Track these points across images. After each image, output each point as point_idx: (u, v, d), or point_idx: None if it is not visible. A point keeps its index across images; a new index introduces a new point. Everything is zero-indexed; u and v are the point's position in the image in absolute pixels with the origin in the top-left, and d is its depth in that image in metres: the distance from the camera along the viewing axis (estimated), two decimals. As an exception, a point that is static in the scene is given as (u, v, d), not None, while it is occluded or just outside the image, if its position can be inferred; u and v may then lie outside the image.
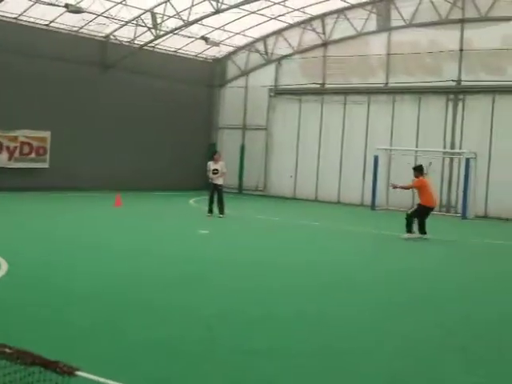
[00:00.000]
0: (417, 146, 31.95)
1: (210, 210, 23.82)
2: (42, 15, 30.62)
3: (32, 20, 30.97)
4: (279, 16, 34.39)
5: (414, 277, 13.72)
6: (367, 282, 12.66)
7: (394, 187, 22.11)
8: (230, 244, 17.56)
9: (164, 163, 36.27)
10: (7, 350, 2.42)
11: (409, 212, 20.42)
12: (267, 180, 38.13)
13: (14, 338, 5.68)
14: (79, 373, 3.53)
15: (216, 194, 23.82)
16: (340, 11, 34.33)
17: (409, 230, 20.01)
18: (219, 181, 23.93)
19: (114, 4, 30.89)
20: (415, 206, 20.66)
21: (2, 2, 27.06)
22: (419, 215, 20.06)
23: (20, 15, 30.41)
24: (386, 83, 33.52)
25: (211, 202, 23.91)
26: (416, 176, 20.70)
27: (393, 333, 8.87)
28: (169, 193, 33.92)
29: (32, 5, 29.38)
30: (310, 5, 33.02)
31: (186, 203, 29.52)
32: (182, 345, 7.68)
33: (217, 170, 23.98)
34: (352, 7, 33.74)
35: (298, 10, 33.67)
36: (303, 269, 13.83)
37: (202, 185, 37.53)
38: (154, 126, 36.22)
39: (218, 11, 30.17)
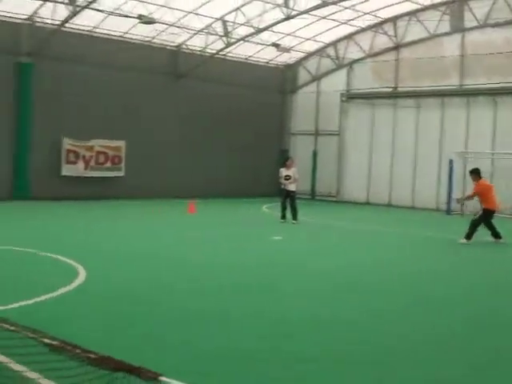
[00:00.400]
0: (493, 149, 31.23)
1: (283, 216, 23.78)
2: (116, 27, 31.21)
3: (106, 32, 31.60)
4: (350, 20, 34.16)
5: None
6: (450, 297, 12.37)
7: (460, 202, 21.40)
8: (304, 249, 17.44)
9: (236, 170, 36.44)
10: (92, 356, 2.42)
11: (475, 217, 19.56)
12: (340, 185, 37.88)
13: (94, 344, 5.72)
14: (162, 378, 3.52)
15: (289, 200, 23.78)
16: (412, 13, 33.87)
17: (469, 235, 19.17)
18: (292, 187, 23.88)
19: (185, 14, 31.25)
20: (480, 212, 19.60)
21: (79, 15, 27.63)
22: (485, 220, 19.34)
23: (95, 28, 31.06)
24: (461, 85, 32.90)
25: (284, 208, 23.88)
26: (474, 180, 19.96)
27: None
28: (241, 199, 34.04)
29: (106, 17, 29.97)
30: (382, 8, 32.68)
31: (259, 209, 29.55)
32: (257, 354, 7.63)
33: (289, 176, 23.93)
34: (424, 9, 33.23)
35: (368, 13, 33.40)
36: (378, 278, 13.62)
37: (275, 191, 37.62)
38: (227, 133, 36.42)
39: (288, 17, 30.18)
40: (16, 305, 9.05)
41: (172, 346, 7.67)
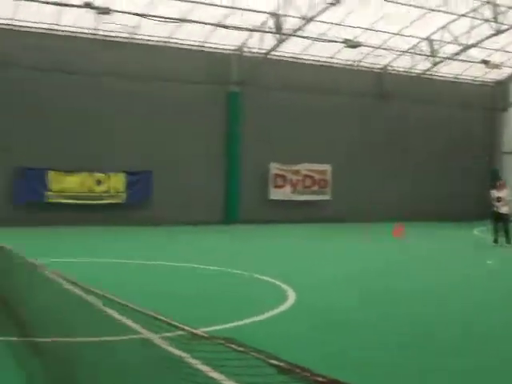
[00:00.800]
0: None
1: (496, 240, 22.67)
2: (321, 52, 31.56)
3: (311, 58, 32.06)
4: None
5: None
6: None
7: None
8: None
9: (444, 191, 35.40)
10: (320, 379, 2.32)
11: None
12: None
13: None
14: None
15: (501, 223, 22.65)
16: None
17: None
18: (503, 209, 22.68)
19: (390, 36, 30.99)
20: None
21: (284, 43, 28.30)
22: None
23: (300, 54, 31.64)
24: None
25: (496, 232, 22.76)
26: None
27: None
28: (449, 222, 32.92)
29: (311, 43, 30.37)
30: None
31: (470, 233, 28.42)
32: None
33: (500, 197, 22.81)
34: None
35: None
36: None
37: (486, 213, 36.16)
38: (432, 153, 35.58)
39: (498, 32, 29.04)
40: (231, 325, 9.25)
41: (385, 366, 7.44)
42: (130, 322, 4.83)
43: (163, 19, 26.18)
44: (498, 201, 22.68)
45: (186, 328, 3.60)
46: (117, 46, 27.84)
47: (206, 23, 27.25)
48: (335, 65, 33.02)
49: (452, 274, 16.19)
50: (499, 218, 22.57)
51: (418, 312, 10.92)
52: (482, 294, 13.19)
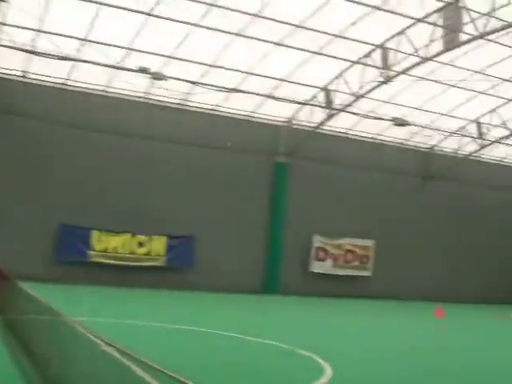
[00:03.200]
0: None
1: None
2: (369, 129, 31.82)
3: (360, 134, 32.30)
4: None
5: None
6: None
7: None
8: None
9: (486, 272, 34.85)
10: None
11: None
12: None
13: None
14: None
15: None
16: None
17: None
18: None
19: (438, 116, 31.14)
20: None
21: (334, 119, 28.61)
22: None
23: (349, 129, 31.89)
24: None
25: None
26: None
27: None
28: (492, 304, 32.23)
29: (361, 120, 30.63)
30: None
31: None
32: None
33: None
34: None
35: None
36: None
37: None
38: (481, 235, 35.17)
39: (547, 118, 28.97)
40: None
41: None
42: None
43: (215, 87, 26.72)
44: None
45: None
46: (169, 111, 28.40)
47: (257, 94, 27.73)
48: (383, 142, 33.17)
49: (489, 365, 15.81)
50: None
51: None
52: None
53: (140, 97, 28.08)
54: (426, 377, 12.52)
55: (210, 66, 25.95)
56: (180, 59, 25.24)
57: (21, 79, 26.23)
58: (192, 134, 28.76)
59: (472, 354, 16.59)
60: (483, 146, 32.79)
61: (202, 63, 25.81)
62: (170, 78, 25.49)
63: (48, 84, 26.55)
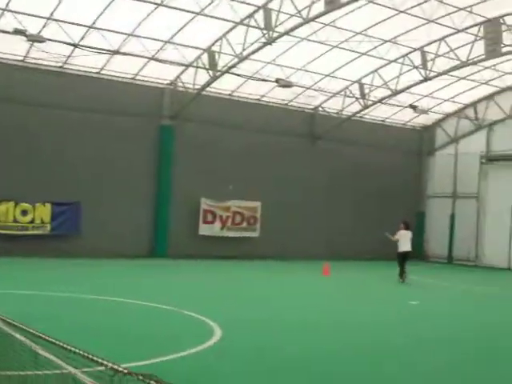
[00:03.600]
0: None
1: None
2: (254, 91, 31.98)
3: (244, 95, 32.41)
4: (490, 80, 33.45)
5: None
6: None
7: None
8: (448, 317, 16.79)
9: (370, 232, 35.95)
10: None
11: None
12: (479, 250, 36.57)
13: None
14: None
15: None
16: (558, 72, 32.78)
17: None
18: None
19: (322, 77, 31.63)
20: None
21: (218, 80, 28.53)
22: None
23: (233, 91, 31.95)
24: None
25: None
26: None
27: None
28: (374, 261, 33.41)
29: (245, 81, 30.77)
30: (523, 68, 31.83)
31: (394, 272, 28.80)
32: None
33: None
34: None
35: (509, 73, 32.54)
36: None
37: (412, 253, 36.79)
38: (361, 195, 36.16)
39: (426, 79, 29.90)
40: (154, 360, 9.15)
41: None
42: (52, 357, 4.74)
43: (96, 50, 26.10)
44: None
45: (107, 363, 3.55)
46: (49, 74, 27.53)
47: (140, 56, 27.30)
48: (268, 103, 33.40)
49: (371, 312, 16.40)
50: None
51: (345, 346, 11.02)
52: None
53: (18, 60, 27.04)
54: (310, 333, 12.87)
55: (90, 27, 25.24)
56: (59, 21, 24.40)
57: None
58: (74, 98, 28.01)
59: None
60: (366, 107, 33.54)
61: (82, 25, 25.06)
62: (49, 40, 24.66)
63: None
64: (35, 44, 25.09)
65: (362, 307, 17.48)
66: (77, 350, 4.06)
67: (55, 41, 25.01)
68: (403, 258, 24.19)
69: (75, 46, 25.77)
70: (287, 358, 10.26)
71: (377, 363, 10.23)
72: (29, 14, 23.65)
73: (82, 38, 25.58)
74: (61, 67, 27.79)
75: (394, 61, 30.24)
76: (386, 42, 28.45)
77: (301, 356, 10.37)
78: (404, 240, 24.28)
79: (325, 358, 10.43)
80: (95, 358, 3.75)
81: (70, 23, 24.61)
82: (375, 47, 28.94)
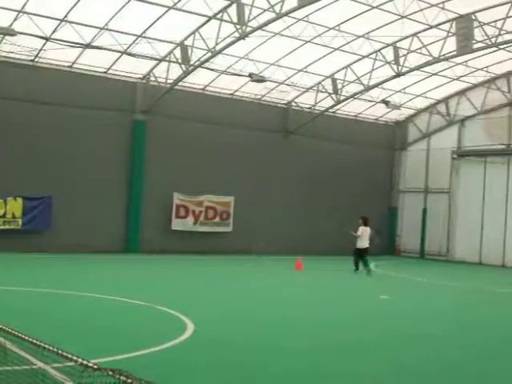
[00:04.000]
0: None
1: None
2: (227, 85, 31.94)
3: (218, 90, 32.35)
4: (462, 76, 33.72)
5: None
6: None
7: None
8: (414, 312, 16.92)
9: (344, 227, 36.05)
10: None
11: None
12: (450, 245, 36.90)
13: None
14: None
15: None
16: (528, 68, 33.16)
17: None
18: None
19: (295, 72, 31.69)
20: None
21: (191, 74, 28.44)
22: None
23: (207, 86, 31.87)
24: None
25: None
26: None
27: None
28: (347, 257, 33.50)
29: (218, 76, 30.73)
30: (494, 63, 32.08)
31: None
32: None
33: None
34: (541, 64, 32.46)
35: (481, 69, 32.85)
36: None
37: (384, 248, 37.08)
38: (335, 189, 36.31)
39: (398, 74, 30.05)
40: (125, 356, 9.13)
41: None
42: (22, 353, 4.71)
43: (68, 44, 25.91)
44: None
45: (77, 359, 3.54)
46: (20, 68, 27.26)
47: (112, 50, 27.15)
48: (241, 98, 33.38)
49: (343, 308, 16.48)
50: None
51: (310, 339, 11.06)
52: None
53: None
54: (284, 329, 12.92)
55: (62, 20, 25.00)
56: (30, 14, 24.15)
57: None
58: (46, 92, 27.77)
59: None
60: (339, 102, 33.63)
61: (54, 18, 24.82)
62: (21, 33, 24.43)
63: None
64: (6, 37, 24.85)
65: (332, 303, 17.57)
66: (47, 346, 4.04)
67: (27, 34, 24.82)
68: (363, 254, 25.27)
69: (47, 39, 25.56)
70: (259, 352, 10.28)
71: (344, 359, 10.29)
72: (-1, 7, 23.43)
73: (54, 32, 25.34)
74: (32, 60, 27.53)
75: (367, 56, 30.38)
76: (359, 37, 28.55)
77: (274, 352, 10.40)
78: (365, 236, 25.40)
79: (298, 354, 10.47)
80: (65, 354, 3.74)
81: (41, 16, 24.36)
82: (348, 42, 29.02)
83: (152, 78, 30.02)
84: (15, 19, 24.13)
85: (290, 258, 28.01)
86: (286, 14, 24.08)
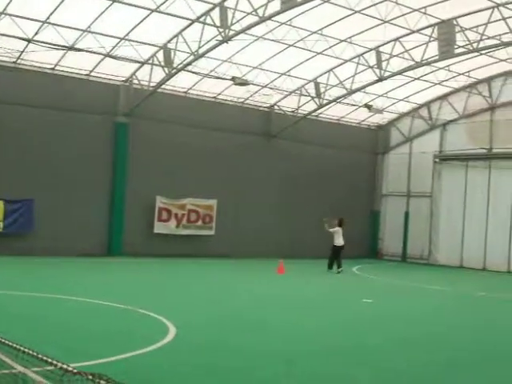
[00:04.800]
0: None
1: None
2: (210, 89, 31.92)
3: (200, 93, 32.32)
4: (444, 81, 33.92)
5: None
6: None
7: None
8: (398, 315, 16.99)
9: (324, 230, 36.15)
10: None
11: None
12: (432, 248, 37.05)
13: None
14: None
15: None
16: (508, 73, 33.34)
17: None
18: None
19: (278, 75, 31.73)
20: None
21: (174, 77, 28.40)
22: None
23: (189, 89, 31.84)
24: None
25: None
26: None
27: None
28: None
29: (201, 79, 30.72)
30: (476, 68, 32.32)
31: (349, 271, 29.07)
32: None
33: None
34: (520, 69, 32.70)
35: (462, 74, 33.06)
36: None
37: (366, 252, 37.20)
38: (318, 193, 36.38)
39: (381, 79, 30.16)
40: (106, 359, 9.09)
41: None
42: (0, 356, 4.67)
43: (50, 46, 25.79)
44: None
45: (56, 363, 3.52)
46: (2, 69, 27.09)
47: (94, 52, 27.06)
48: (224, 101, 33.37)
49: (326, 313, 16.49)
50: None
51: (289, 348, 11.07)
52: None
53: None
54: (263, 334, 12.91)
55: (44, 22, 24.88)
56: (12, 15, 24.01)
57: None
58: (28, 94, 27.61)
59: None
60: (321, 106, 33.69)
61: (36, 20, 24.69)
62: (2, 35, 24.31)
63: None
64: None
65: (316, 306, 17.59)
66: (26, 350, 4.01)
67: (8, 36, 24.70)
68: (339, 252, 27.52)
69: (29, 41, 25.41)
70: (241, 357, 10.27)
71: (332, 363, 10.30)
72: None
73: (36, 33, 25.21)
74: (14, 62, 27.37)
75: (350, 60, 30.47)
76: (342, 41, 28.64)
77: (258, 355, 10.40)
78: (338, 235, 27.73)
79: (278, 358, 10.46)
80: (44, 358, 3.71)
81: (23, 18, 24.24)
82: (331, 47, 29.11)
83: (135, 81, 29.94)
84: (-3, 21, 24.02)
85: (272, 262, 28.00)
86: (270, 17, 24.10)
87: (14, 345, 4.27)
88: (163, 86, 29.46)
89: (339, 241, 27.59)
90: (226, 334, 12.29)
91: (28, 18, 24.39)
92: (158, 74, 28.65)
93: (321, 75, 31.97)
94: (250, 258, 31.61)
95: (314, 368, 9.57)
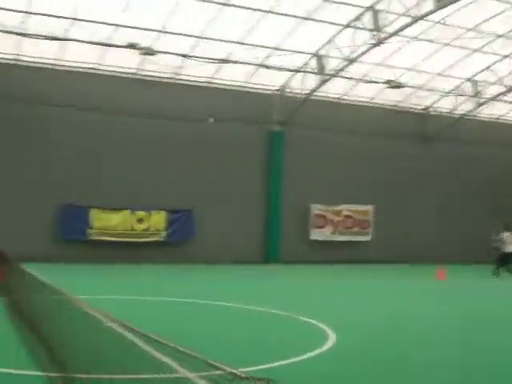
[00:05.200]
0: None
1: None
2: (363, 93, 31.61)
3: (354, 98, 32.09)
4: None
5: None
6: None
7: None
8: None
9: (484, 233, 34.84)
10: None
11: None
12: None
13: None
14: None
15: None
16: None
17: None
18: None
19: (433, 76, 30.94)
20: None
21: (326, 84, 28.41)
22: None
23: (343, 95, 31.71)
24: None
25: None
26: None
27: None
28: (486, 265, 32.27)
29: (355, 84, 30.49)
30: None
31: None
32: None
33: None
34: None
35: None
36: None
37: None
38: (479, 196, 35.05)
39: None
40: (270, 365, 9.13)
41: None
42: (168, 361, 4.77)
43: (206, 60, 26.53)
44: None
45: (225, 368, 3.54)
46: (160, 86, 28.21)
47: (248, 63, 27.54)
48: (378, 105, 32.99)
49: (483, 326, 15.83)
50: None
51: (454, 358, 10.68)
52: None
53: (131, 73, 27.85)
54: (429, 342, 12.56)
55: (199, 37, 25.67)
56: (169, 33, 24.97)
57: (14, 62, 26.08)
58: (186, 108, 28.58)
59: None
60: (480, 105, 32.55)
61: (191, 35, 25.53)
62: (160, 52, 25.32)
63: (39, 66, 26.38)
64: (147, 56, 25.80)
65: (483, 317, 16.92)
66: (194, 354, 4.07)
67: (166, 53, 25.67)
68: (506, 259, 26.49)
69: (185, 56, 26.28)
70: (408, 363, 10.03)
71: None
72: (140, 28, 24.35)
73: (192, 49, 26.04)
74: (171, 78, 28.39)
75: (508, 56, 29.22)
76: (500, 37, 27.49)
77: (423, 364, 10.13)
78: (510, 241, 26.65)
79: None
80: (212, 363, 3.75)
81: (179, 35, 25.14)
82: (488, 43, 27.98)
83: (287, 90, 30.19)
84: (154, 39, 25.06)
85: (428, 267, 27.27)
86: (422, 17, 23.58)
87: (180, 349, 4.34)
88: (316, 93, 29.53)
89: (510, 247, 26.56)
90: (385, 340, 12.06)
91: (184, 35, 25.25)
92: (310, 82, 28.74)
93: (478, 73, 30.86)
94: (409, 264, 30.97)
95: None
